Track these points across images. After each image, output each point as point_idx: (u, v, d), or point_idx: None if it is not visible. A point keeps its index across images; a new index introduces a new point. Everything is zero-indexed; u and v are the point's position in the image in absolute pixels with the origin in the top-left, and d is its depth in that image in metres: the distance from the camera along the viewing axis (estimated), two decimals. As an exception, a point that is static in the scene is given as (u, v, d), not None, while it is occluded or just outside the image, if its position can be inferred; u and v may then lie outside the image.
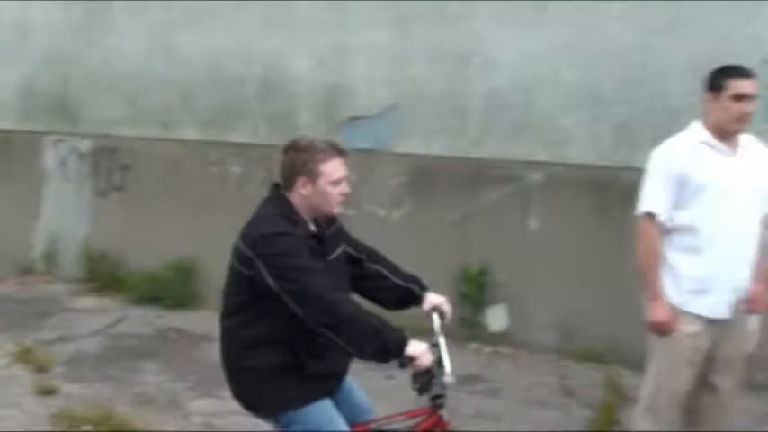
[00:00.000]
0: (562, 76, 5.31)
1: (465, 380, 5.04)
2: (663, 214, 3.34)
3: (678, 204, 3.33)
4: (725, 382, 3.47)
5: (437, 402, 2.73)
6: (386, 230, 5.99)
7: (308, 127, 6.24)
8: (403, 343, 2.58)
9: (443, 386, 2.66)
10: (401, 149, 5.96)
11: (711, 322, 3.36)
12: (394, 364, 2.62)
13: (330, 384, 2.87)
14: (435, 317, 3.01)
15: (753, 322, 3.60)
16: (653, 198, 3.36)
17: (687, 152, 3.32)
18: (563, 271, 5.31)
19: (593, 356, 5.24)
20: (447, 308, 3.05)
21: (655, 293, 3.38)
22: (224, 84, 6.52)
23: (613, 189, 5.06)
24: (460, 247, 5.72)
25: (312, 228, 2.85)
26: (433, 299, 3.05)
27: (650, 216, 3.37)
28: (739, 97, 3.24)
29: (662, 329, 3.37)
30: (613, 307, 4.98)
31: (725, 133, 3.31)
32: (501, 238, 5.55)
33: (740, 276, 3.34)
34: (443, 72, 5.73)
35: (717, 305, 3.34)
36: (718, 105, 3.29)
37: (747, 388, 4.55)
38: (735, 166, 3.30)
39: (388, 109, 5.98)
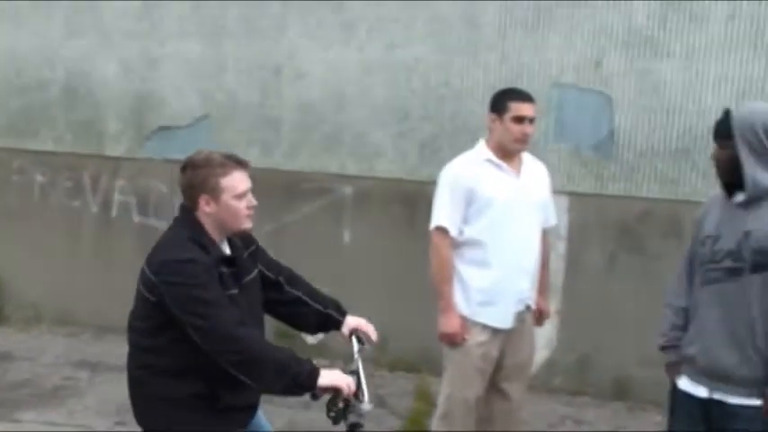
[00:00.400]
0: (371, 92, 5.48)
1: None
2: (453, 229, 3.51)
3: (466, 219, 3.51)
4: (514, 388, 3.69)
5: (355, 431, 2.54)
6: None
7: (116, 135, 6.02)
8: (314, 375, 2.43)
9: (361, 414, 2.50)
10: (214, 161, 5.86)
11: (499, 332, 3.56)
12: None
13: (244, 416, 2.71)
14: (354, 341, 2.87)
15: (537, 331, 3.89)
16: (443, 213, 3.53)
17: (473, 170, 3.51)
18: (376, 283, 5.45)
19: (405, 366, 5.41)
20: (369, 329, 2.90)
21: (446, 305, 3.54)
22: (26, 88, 6.13)
23: (421, 203, 5.25)
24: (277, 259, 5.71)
25: (226, 249, 2.67)
26: (351, 322, 2.91)
27: (441, 230, 3.53)
28: (520, 119, 3.47)
29: (452, 340, 3.53)
30: (424, 317, 5.15)
31: (507, 152, 3.53)
32: (315, 251, 5.61)
33: (523, 287, 3.57)
34: (255, 84, 5.73)
35: (503, 315, 3.55)
36: (501, 126, 3.50)
37: (545, 392, 4.97)
38: (516, 184, 3.53)
39: (200, 119, 5.89)
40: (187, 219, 2.64)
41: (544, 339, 4.99)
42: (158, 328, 2.56)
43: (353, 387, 2.48)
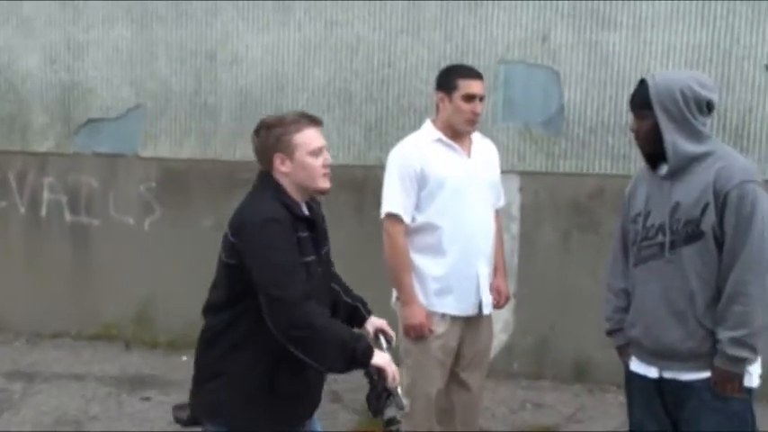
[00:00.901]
0: (311, 75, 5.25)
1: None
2: (406, 215, 3.33)
3: (418, 205, 3.33)
4: (474, 377, 3.53)
5: (391, 429, 2.47)
6: (137, 240, 5.63)
7: (42, 130, 5.70)
8: (370, 352, 2.41)
9: (400, 407, 2.47)
10: (148, 153, 5.59)
11: (457, 320, 3.40)
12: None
13: (300, 412, 2.62)
14: (383, 339, 2.82)
15: (494, 315, 3.74)
16: (394, 199, 3.33)
17: (422, 151, 3.32)
18: (323, 272, 5.25)
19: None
20: (390, 331, 2.86)
21: (408, 296, 3.35)
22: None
23: (369, 189, 5.08)
24: (217, 254, 5.46)
25: (305, 211, 2.59)
26: (376, 321, 2.87)
27: (394, 217, 3.33)
28: (470, 97, 3.30)
29: (419, 332, 3.34)
30: (378, 307, 4.96)
31: (456, 132, 3.35)
32: (259, 242, 5.37)
33: (481, 272, 3.40)
34: (189, 70, 5.45)
35: (461, 303, 3.38)
36: (451, 105, 3.33)
37: (504, 376, 4.83)
38: (468, 165, 3.36)
39: (132, 110, 5.59)
40: (266, 180, 2.57)
41: (501, 323, 4.86)
42: (237, 297, 2.47)
43: (394, 371, 2.45)
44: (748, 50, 4.61)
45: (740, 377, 2.57)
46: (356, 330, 2.53)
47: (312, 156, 2.52)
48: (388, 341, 2.85)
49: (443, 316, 3.38)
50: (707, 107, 2.62)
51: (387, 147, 5.02)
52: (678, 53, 4.71)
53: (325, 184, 2.58)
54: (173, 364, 5.31)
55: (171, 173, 5.56)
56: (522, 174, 4.93)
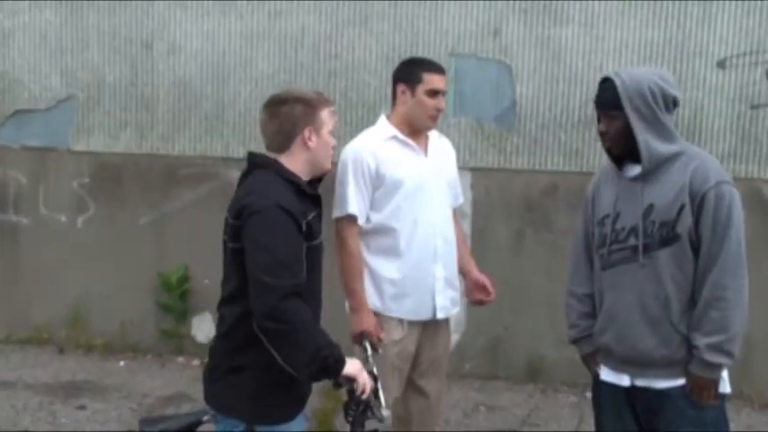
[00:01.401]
0: (254, 66, 5.03)
1: (170, 400, 4.63)
2: (361, 217, 3.16)
3: (372, 205, 3.16)
4: (432, 383, 3.39)
5: None
6: (70, 238, 5.34)
7: (-35, 122, 5.33)
8: (341, 362, 2.30)
9: (381, 419, 2.37)
10: (81, 147, 5.29)
11: (415, 325, 3.25)
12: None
13: (308, 392, 2.55)
14: (366, 344, 2.72)
15: (453, 321, 3.62)
16: (348, 200, 3.14)
17: (377, 150, 3.15)
18: (268, 271, 5.06)
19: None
20: (379, 333, 2.83)
21: (359, 303, 3.17)
22: None
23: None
24: (157, 253, 5.24)
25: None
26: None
27: (348, 219, 3.16)
28: (434, 93, 3.15)
29: (366, 339, 3.19)
30: (329, 308, 4.81)
31: (414, 129, 3.20)
32: (201, 241, 5.10)
33: (437, 276, 3.25)
34: (124, 60, 5.16)
35: (418, 307, 3.23)
36: (413, 99, 3.16)
37: (456, 378, 4.73)
38: (425, 163, 3.21)
39: (63, 101, 5.27)
40: (267, 161, 2.47)
41: (453, 323, 4.67)
42: (245, 285, 2.33)
43: (366, 381, 2.36)
44: (700, 48, 4.58)
45: (716, 383, 2.49)
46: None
47: (330, 135, 2.50)
48: (374, 347, 2.75)
49: (400, 321, 3.23)
50: (672, 104, 2.53)
51: (338, 142, 4.88)
52: (630, 50, 4.65)
53: (329, 165, 2.55)
54: (109, 369, 5.08)
55: (105, 168, 5.27)
56: (474, 170, 4.82)
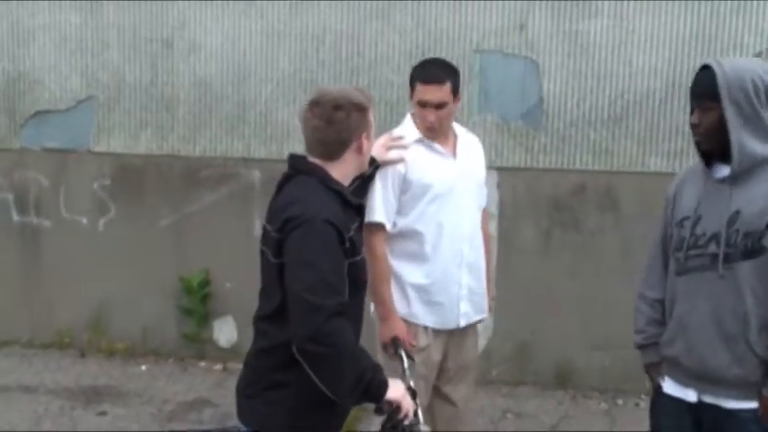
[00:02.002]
0: (275, 65, 4.93)
1: (192, 405, 4.56)
2: (388, 223, 3.04)
3: (399, 209, 3.05)
4: (459, 391, 3.28)
5: None
6: (91, 241, 5.29)
7: (-15, 124, 5.30)
8: (384, 386, 2.17)
9: None
10: (101, 148, 5.23)
11: (440, 333, 3.14)
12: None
13: (345, 414, 2.43)
14: (402, 353, 2.59)
15: (480, 325, 3.49)
16: (376, 206, 3.03)
17: (405, 153, 3.04)
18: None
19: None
20: (410, 339, 2.73)
21: (387, 311, 3.06)
22: None
23: (337, 185, 4.82)
24: (178, 256, 5.16)
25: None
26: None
27: (375, 226, 3.03)
28: (423, 104, 3.01)
29: (401, 347, 3.07)
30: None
31: (428, 136, 3.07)
32: (222, 244, 5.07)
33: (468, 282, 3.14)
34: (144, 59, 5.10)
35: (446, 314, 3.12)
36: (413, 105, 3.08)
37: (483, 384, 4.60)
38: (453, 166, 3.10)
39: (83, 102, 5.22)
40: (310, 167, 2.31)
41: (480, 328, 4.58)
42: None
43: (409, 406, 2.23)
44: (734, 40, 4.41)
45: None
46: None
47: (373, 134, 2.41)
48: (408, 355, 2.64)
49: (425, 328, 3.11)
50: None
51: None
52: (662, 43, 4.49)
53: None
54: (130, 374, 5.01)
55: (126, 169, 5.21)
56: (500, 169, 4.68)
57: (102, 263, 5.25)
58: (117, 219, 5.26)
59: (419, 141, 3.08)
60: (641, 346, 2.60)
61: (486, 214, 3.40)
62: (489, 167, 4.45)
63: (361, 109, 2.31)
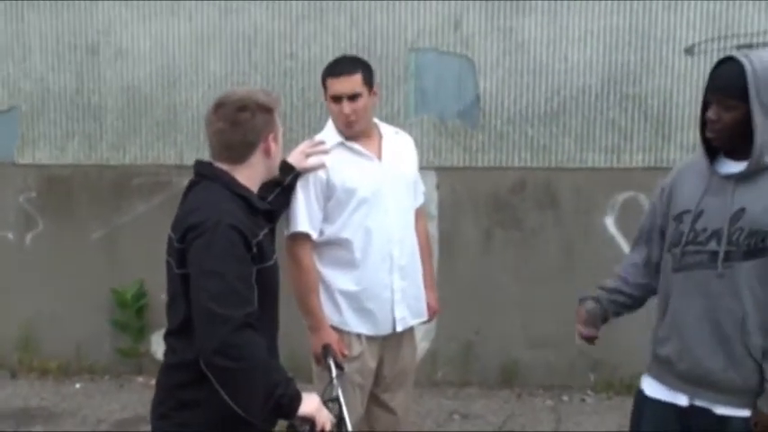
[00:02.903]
0: (206, 68, 4.79)
1: (129, 423, 4.38)
2: (314, 232, 2.94)
3: (325, 216, 2.95)
4: (397, 398, 3.18)
5: None
6: (18, 256, 5.08)
7: None
8: (297, 401, 2.06)
9: None
10: (26, 160, 5.02)
11: (374, 339, 3.04)
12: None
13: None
14: (331, 362, 2.50)
15: (423, 328, 3.43)
16: (300, 216, 2.92)
17: (326, 159, 2.94)
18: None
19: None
20: (342, 349, 2.60)
21: (317, 321, 2.96)
22: None
23: (274, 190, 4.70)
24: (110, 269, 4.98)
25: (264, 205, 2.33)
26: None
27: (300, 236, 2.94)
28: (336, 98, 2.94)
29: (330, 356, 2.98)
30: (290, 319, 4.61)
31: (349, 134, 2.98)
32: (157, 254, 4.82)
33: (402, 286, 3.04)
34: (68, 66, 4.90)
35: (379, 321, 3.02)
36: (328, 106, 3.01)
37: (429, 386, 4.53)
38: (378, 169, 2.99)
39: (4, 113, 5.00)
40: (215, 172, 2.22)
41: (422, 330, 4.54)
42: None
43: (329, 424, 2.13)
44: (667, 34, 4.44)
45: None
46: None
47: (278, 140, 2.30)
48: (338, 365, 2.53)
49: (358, 336, 3.02)
50: None
51: (292, 145, 4.62)
52: (596, 38, 4.49)
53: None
54: (64, 393, 4.82)
55: (53, 181, 5.00)
56: (439, 169, 4.63)
57: (31, 279, 5.03)
58: (45, 232, 5.05)
59: (340, 145, 2.98)
60: (587, 299, 2.56)
61: (422, 214, 3.32)
62: (428, 168, 4.43)
63: (267, 110, 2.22)
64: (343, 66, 2.97)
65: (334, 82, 2.93)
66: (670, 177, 2.46)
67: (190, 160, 4.80)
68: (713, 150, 2.30)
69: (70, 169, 4.98)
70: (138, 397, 4.70)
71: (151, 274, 4.90)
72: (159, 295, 4.89)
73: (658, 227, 2.45)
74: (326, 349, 2.70)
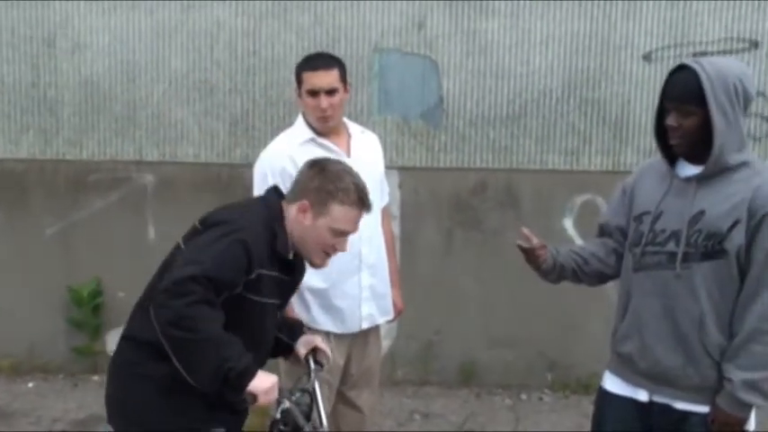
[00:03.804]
0: (167, 64, 4.73)
1: (84, 423, 4.31)
2: None
3: None
4: (363, 396, 3.22)
5: None
6: (-31, 253, 4.92)
7: None
8: (246, 376, 2.09)
9: None
10: (-22, 154, 4.90)
11: (342, 337, 3.07)
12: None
13: (225, 414, 2.31)
14: (312, 362, 2.56)
15: (384, 327, 3.45)
16: None
17: (295, 154, 2.95)
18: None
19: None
20: (326, 350, 2.60)
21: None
22: None
23: (235, 188, 4.62)
24: (66, 266, 4.88)
25: (290, 255, 2.35)
26: (309, 340, 2.58)
27: None
28: (314, 92, 2.97)
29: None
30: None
31: (322, 129, 3.03)
32: (114, 251, 4.83)
33: (371, 283, 3.08)
34: (24, 59, 4.79)
35: (347, 318, 3.05)
36: (301, 101, 3.03)
37: (389, 385, 4.54)
38: (348, 164, 3.03)
39: (-43, 105, 4.87)
40: (272, 202, 2.38)
41: (384, 329, 4.52)
42: None
43: (269, 398, 2.15)
44: (625, 40, 4.52)
45: (743, 422, 2.25)
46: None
47: (332, 233, 2.33)
48: (318, 362, 2.57)
49: (327, 333, 3.03)
50: (747, 106, 2.27)
51: (254, 143, 4.64)
52: (557, 42, 4.55)
53: (318, 264, 2.42)
54: (17, 393, 4.70)
55: (7, 175, 4.88)
56: (401, 169, 4.64)
57: (-17, 275, 4.91)
58: (-2, 228, 4.94)
59: (311, 141, 3.01)
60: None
61: (387, 213, 3.34)
62: (390, 167, 4.42)
63: (323, 171, 2.37)
64: (320, 60, 3.02)
65: (311, 76, 2.95)
66: (631, 178, 2.52)
67: (149, 156, 4.84)
68: (672, 154, 2.36)
69: (25, 164, 4.87)
70: (94, 396, 4.60)
71: (108, 271, 4.85)
72: (116, 293, 4.86)
73: (619, 225, 2.51)
74: (311, 352, 2.70)
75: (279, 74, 4.67)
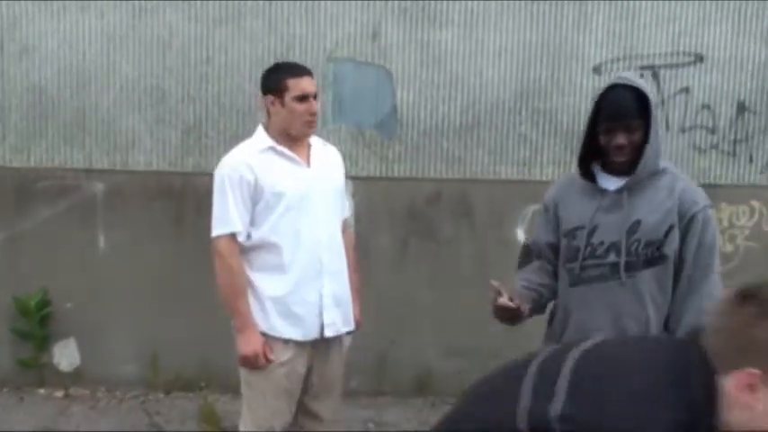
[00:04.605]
0: (118, 70, 4.65)
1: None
2: (242, 234, 2.96)
3: (253, 220, 2.96)
4: (325, 406, 3.20)
5: None
6: None
7: None
8: None
9: None
10: None
11: (303, 345, 3.05)
12: None
13: None
14: None
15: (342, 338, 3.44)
16: (227, 217, 2.93)
17: (253, 161, 2.95)
18: (141, 292, 4.69)
19: (183, 385, 4.73)
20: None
21: (243, 323, 2.96)
22: None
23: (187, 197, 4.59)
24: (12, 276, 4.75)
25: None
26: None
27: (228, 237, 2.94)
28: (303, 97, 2.97)
29: (255, 363, 2.97)
30: (200, 326, 4.53)
31: (293, 138, 3.02)
32: (62, 261, 4.72)
33: (333, 290, 3.08)
34: (-32, 63, 4.67)
35: (307, 325, 3.04)
36: (284, 109, 2.98)
37: (343, 395, 4.50)
38: (308, 174, 3.03)
39: None
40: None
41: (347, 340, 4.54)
42: None
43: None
44: (576, 52, 4.59)
45: None
46: None
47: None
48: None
49: (287, 342, 3.01)
50: None
51: (206, 151, 4.59)
52: (510, 53, 4.60)
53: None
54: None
55: (-51, 182, 4.75)
56: (355, 179, 4.62)
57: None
58: (-60, 237, 4.79)
59: (270, 149, 3.00)
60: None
61: (346, 225, 3.35)
62: (345, 177, 4.42)
63: None
64: (301, 68, 3.06)
65: (299, 82, 2.96)
66: (550, 196, 2.57)
67: (99, 164, 4.75)
68: (587, 168, 2.44)
69: (-32, 172, 4.74)
70: (41, 409, 4.51)
71: (55, 281, 4.73)
72: (64, 303, 4.75)
73: (549, 241, 2.55)
74: (253, 357, 2.70)
75: (232, 81, 4.63)
